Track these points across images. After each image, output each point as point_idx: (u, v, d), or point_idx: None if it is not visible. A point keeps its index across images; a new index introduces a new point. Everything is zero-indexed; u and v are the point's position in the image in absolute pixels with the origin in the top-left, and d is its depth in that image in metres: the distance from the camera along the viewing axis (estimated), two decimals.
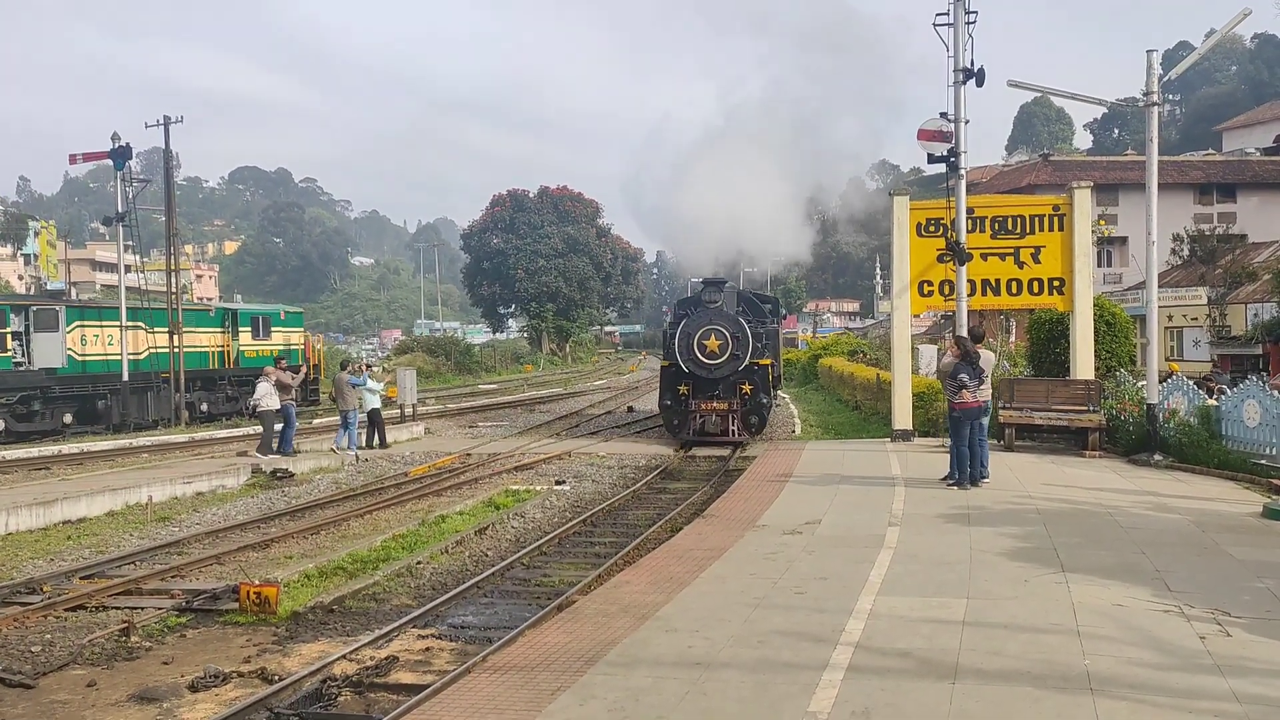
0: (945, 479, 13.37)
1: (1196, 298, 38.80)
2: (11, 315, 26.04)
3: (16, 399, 25.23)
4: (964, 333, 16.33)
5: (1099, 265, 46.75)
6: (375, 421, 21.98)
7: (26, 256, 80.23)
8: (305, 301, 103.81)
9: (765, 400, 20.67)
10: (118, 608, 9.55)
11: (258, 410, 20.01)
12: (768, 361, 21.15)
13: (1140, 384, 16.84)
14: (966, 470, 13.07)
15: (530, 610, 9.11)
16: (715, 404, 20.26)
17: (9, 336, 25.69)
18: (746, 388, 20.29)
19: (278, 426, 19.63)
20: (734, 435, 20.19)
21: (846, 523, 10.93)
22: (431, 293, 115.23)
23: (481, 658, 7.18)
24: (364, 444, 21.78)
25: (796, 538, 10.17)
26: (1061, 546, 9.45)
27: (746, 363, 20.18)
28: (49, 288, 49.45)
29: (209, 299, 72.14)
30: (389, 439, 22.16)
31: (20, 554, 12.12)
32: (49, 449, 22.19)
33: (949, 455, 13.51)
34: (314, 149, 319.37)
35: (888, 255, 20.78)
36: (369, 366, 25.45)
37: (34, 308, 27.06)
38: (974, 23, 16.36)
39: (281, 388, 20.08)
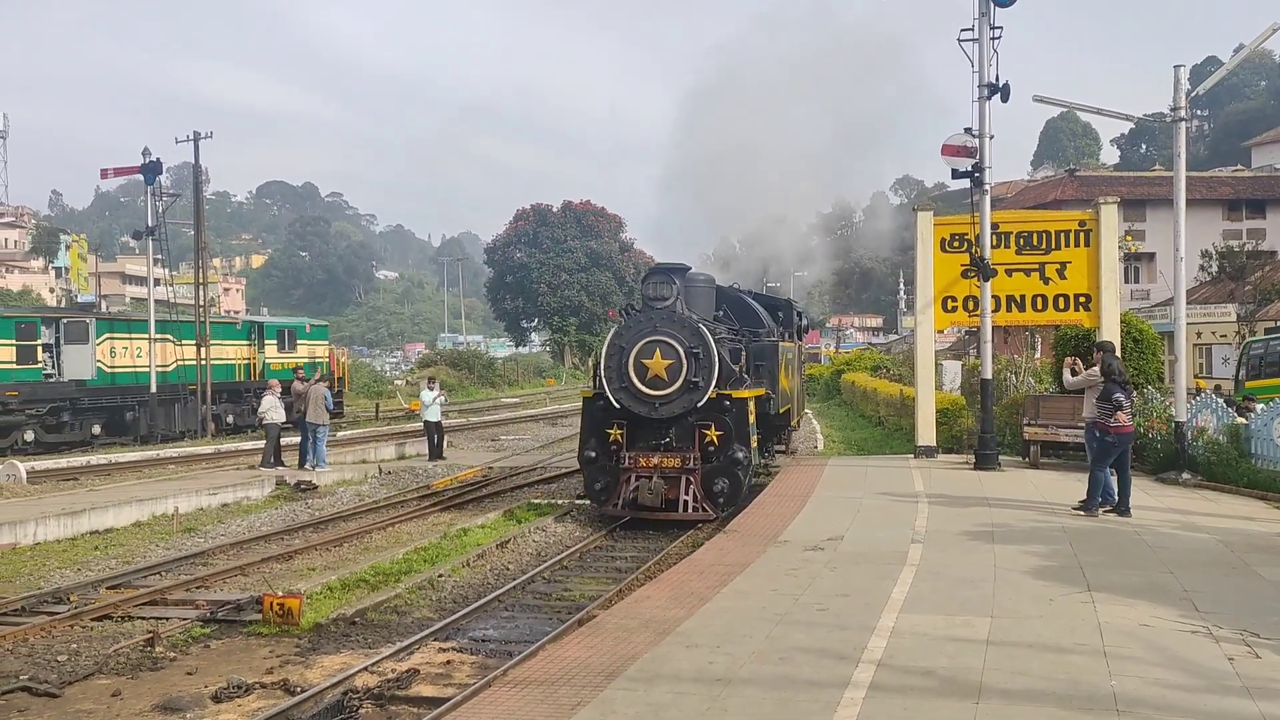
0: (1082, 506, 12.36)
1: (1225, 314, 38.45)
2: (42, 328, 26.42)
3: (46, 410, 25.55)
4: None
5: (1126, 281, 46.36)
6: (435, 432, 22.23)
7: (58, 269, 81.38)
8: (330, 315, 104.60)
9: (743, 455, 13.53)
10: (143, 618, 9.64)
11: (263, 422, 20.20)
12: (753, 393, 14.43)
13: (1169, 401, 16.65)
14: (1113, 494, 12.20)
15: (551, 624, 9.12)
16: (659, 459, 13.49)
17: (40, 348, 26.04)
18: (712, 434, 13.53)
19: (294, 439, 19.74)
20: (687, 509, 13.32)
21: (869, 539, 10.87)
22: (455, 306, 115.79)
23: (502, 671, 7.19)
24: (437, 454, 22.22)
25: (819, 554, 10.12)
26: (1087, 565, 9.35)
27: (710, 395, 13.53)
28: (79, 300, 50.11)
29: (236, 312, 72.78)
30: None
31: (48, 564, 12.27)
32: (78, 460, 22.45)
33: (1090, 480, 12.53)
34: (341, 164, 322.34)
35: (911, 270, 20.61)
36: (433, 379, 25.74)
37: (64, 320, 27.45)
38: (999, 38, 16.31)
39: (298, 398, 20.24)
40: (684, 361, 13.52)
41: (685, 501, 13.37)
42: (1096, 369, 12.61)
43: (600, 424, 13.97)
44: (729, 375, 13.99)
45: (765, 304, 18.79)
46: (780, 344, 16.87)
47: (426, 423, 22.26)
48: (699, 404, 13.54)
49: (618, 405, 13.75)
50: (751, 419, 14.05)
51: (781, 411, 16.93)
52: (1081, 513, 12.09)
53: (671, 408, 13.58)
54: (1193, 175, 40.28)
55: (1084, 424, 13.09)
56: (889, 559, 9.74)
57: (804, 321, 21.50)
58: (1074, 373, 13.56)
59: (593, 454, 13.94)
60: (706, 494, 13.48)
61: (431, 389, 22.75)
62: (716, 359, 13.60)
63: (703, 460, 13.56)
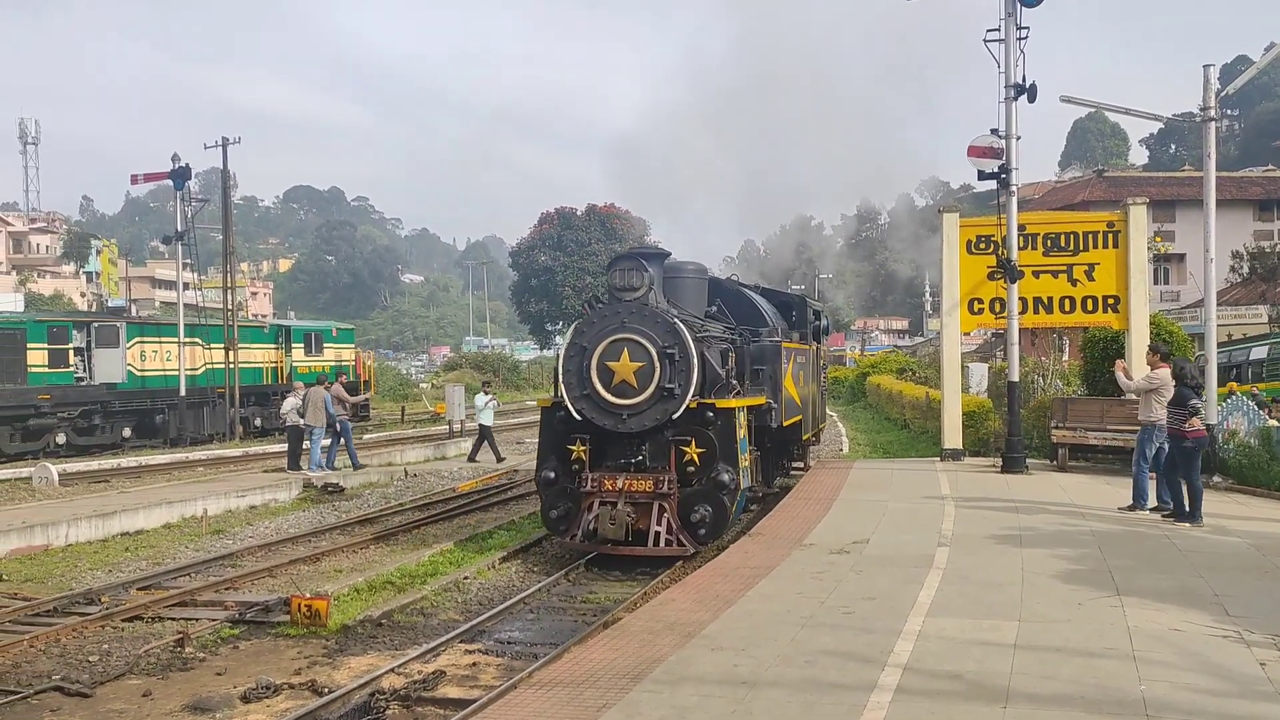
0: (1186, 518, 11.79)
1: (1257, 316, 38.01)
2: (74, 332, 26.81)
3: (78, 413, 25.89)
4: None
5: (1156, 283, 45.98)
6: (486, 436, 22.62)
7: (89, 274, 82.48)
8: (356, 318, 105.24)
9: (729, 478, 11.45)
10: (173, 619, 9.74)
11: (285, 424, 20.40)
12: (745, 402, 12.31)
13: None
14: (1146, 498, 11.99)
15: (576, 627, 9.13)
16: (626, 481, 11.45)
17: (71, 352, 26.42)
18: (692, 451, 11.53)
19: (326, 441, 19.91)
20: (659, 543, 11.30)
21: (895, 542, 10.82)
22: (480, 310, 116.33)
23: (528, 673, 7.21)
24: (472, 457, 22.74)
25: (844, 557, 10.08)
26: (1117, 569, 9.27)
27: (690, 404, 11.46)
28: (110, 305, 50.75)
29: (263, 316, 73.47)
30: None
31: (80, 565, 12.42)
32: (108, 462, 22.72)
33: (1137, 486, 12.37)
34: (366, 168, 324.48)
35: (937, 272, 20.49)
36: (488, 384, 26.10)
37: (95, 324, 27.85)
38: (1026, 38, 16.21)
39: (339, 401, 20.53)
40: (656, 364, 11.42)
41: (657, 533, 11.27)
42: (1159, 372, 12.34)
43: (560, 439, 11.98)
44: (714, 381, 12.00)
45: (776, 301, 16.65)
46: (785, 345, 14.55)
47: (481, 425, 22.75)
48: (675, 415, 11.47)
49: (579, 417, 11.72)
50: (742, 433, 11.91)
51: (787, 424, 14.53)
52: (1187, 524, 11.54)
53: (641, 420, 11.51)
54: (1223, 175, 39.86)
55: (1141, 426, 12.64)
56: (915, 562, 9.70)
57: (823, 322, 19.24)
58: (1127, 375, 13.15)
59: (551, 474, 11.95)
60: (683, 524, 11.37)
61: (486, 393, 23.45)
62: (696, 361, 11.46)
63: (681, 483, 11.49)
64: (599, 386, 11.57)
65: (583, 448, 11.79)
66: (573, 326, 12.16)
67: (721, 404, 11.69)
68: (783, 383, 14.07)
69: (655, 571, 11.07)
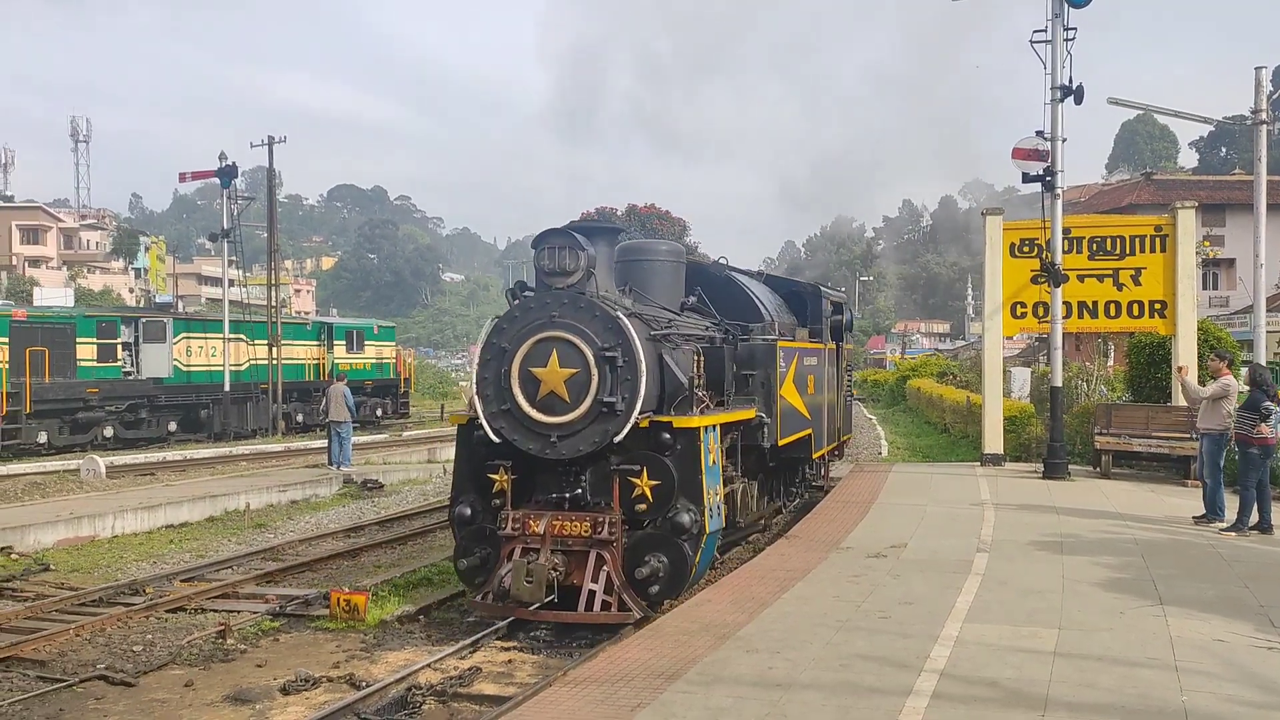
0: (1222, 525, 11.67)
1: None
2: (122, 327, 27.32)
3: (125, 407, 26.40)
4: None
5: (1204, 288, 45.15)
6: None
7: (137, 270, 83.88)
8: (398, 316, 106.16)
9: (689, 519, 8.81)
10: (215, 610, 9.90)
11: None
12: (718, 419, 9.60)
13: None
14: (1223, 509, 11.77)
15: (611, 626, 9.13)
16: (556, 522, 8.84)
17: (120, 347, 26.93)
18: (643, 484, 8.89)
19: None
20: (593, 606, 8.68)
21: (933, 547, 10.73)
22: None
23: (563, 672, 7.24)
24: None
25: (881, 561, 10.02)
26: (1159, 578, 9.13)
27: (639, 422, 8.84)
28: (157, 301, 51.65)
29: (306, 313, 74.29)
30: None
31: (125, 556, 12.66)
32: (154, 456, 23.14)
33: (1206, 496, 12.14)
34: (409, 168, 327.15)
35: (979, 275, 20.27)
36: None
37: (143, 320, 28.37)
38: (1073, 39, 16.00)
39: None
40: (593, 371, 8.78)
41: (591, 592, 8.68)
42: (1226, 379, 12.07)
43: (479, 466, 9.45)
44: (675, 392, 9.33)
45: (783, 291, 14.08)
46: (782, 344, 11.72)
47: None
48: (617, 437, 8.80)
49: (498, 436, 9.08)
50: (712, 458, 9.29)
51: (784, 443, 11.75)
52: (1232, 534, 11.33)
53: (575, 443, 8.85)
54: (1274, 179, 38.93)
55: (1206, 435, 12.31)
56: (954, 567, 9.61)
57: (845, 316, 16.19)
58: (1200, 381, 12.83)
59: (467, 510, 9.40)
60: (629, 579, 8.75)
61: None
62: (644, 366, 8.80)
63: (629, 525, 8.92)
64: (521, 400, 8.94)
65: (502, 477, 9.21)
66: (490, 322, 9.55)
67: (681, 422, 9.02)
68: (778, 391, 11.38)
69: (596, 637, 8.57)
